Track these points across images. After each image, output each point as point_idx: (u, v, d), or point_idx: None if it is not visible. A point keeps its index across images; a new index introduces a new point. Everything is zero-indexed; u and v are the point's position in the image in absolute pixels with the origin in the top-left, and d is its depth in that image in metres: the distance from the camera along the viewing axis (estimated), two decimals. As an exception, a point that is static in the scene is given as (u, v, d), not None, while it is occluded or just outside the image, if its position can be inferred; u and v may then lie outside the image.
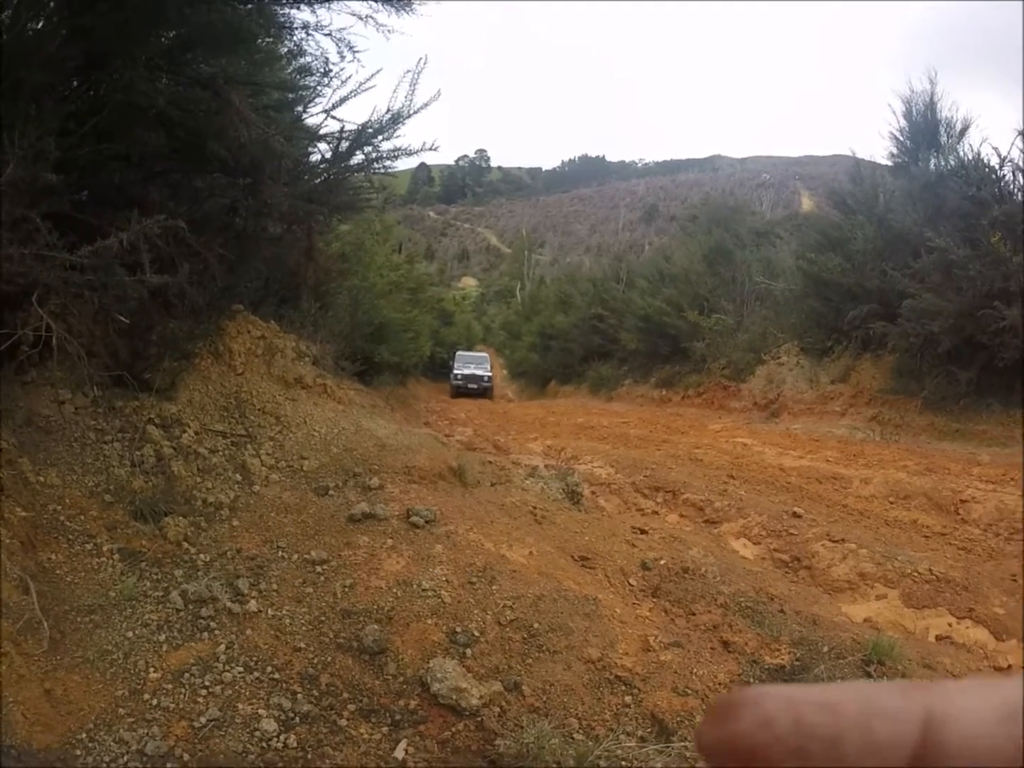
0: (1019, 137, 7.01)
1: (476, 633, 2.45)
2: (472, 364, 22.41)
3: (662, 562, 3.55)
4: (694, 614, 3.09)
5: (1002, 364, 6.68)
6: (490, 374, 21.87)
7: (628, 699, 2.24)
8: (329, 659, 2.23)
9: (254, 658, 2.17)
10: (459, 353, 23.86)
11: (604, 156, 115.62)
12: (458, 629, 2.44)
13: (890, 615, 3.50)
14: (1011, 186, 7.28)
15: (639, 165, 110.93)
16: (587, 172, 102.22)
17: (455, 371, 21.60)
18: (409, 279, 16.69)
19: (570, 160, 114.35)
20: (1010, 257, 6.48)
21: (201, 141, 3.60)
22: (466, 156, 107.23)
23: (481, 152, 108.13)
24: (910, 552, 4.13)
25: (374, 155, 4.55)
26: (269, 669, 2.15)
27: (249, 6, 3.65)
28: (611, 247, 31.70)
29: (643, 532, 4.30)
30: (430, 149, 4.75)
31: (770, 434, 9.18)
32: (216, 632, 2.26)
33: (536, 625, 2.51)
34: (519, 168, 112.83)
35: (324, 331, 6.25)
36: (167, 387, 3.62)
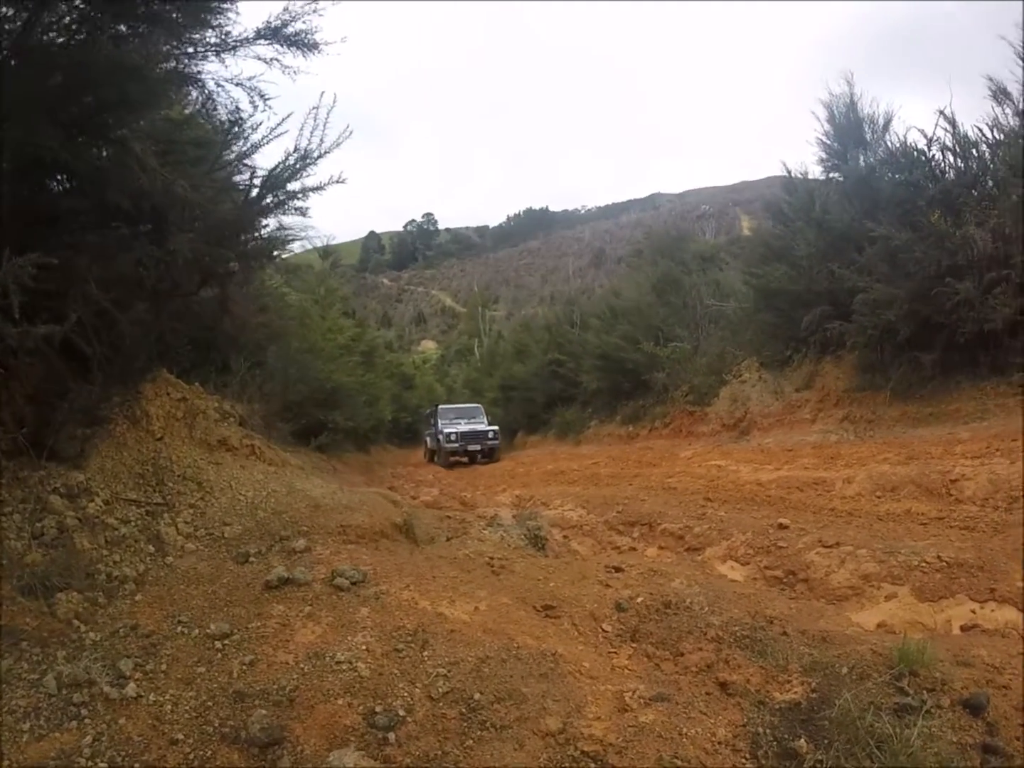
0: (941, 117, 7.05)
1: (401, 712, 1.95)
2: (464, 419, 17.51)
3: (639, 600, 3.09)
4: (682, 654, 2.62)
5: (963, 340, 6.47)
6: (495, 428, 17.02)
7: (600, 781, 1.70)
8: (210, 753, 1.87)
9: (123, 752, 1.87)
10: (442, 408, 18.79)
11: (548, 207, 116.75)
12: (378, 709, 1.96)
13: (905, 614, 3.14)
14: (942, 164, 7.27)
15: (582, 212, 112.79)
16: (533, 225, 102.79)
17: (444, 430, 16.45)
18: (361, 342, 16.38)
19: (515, 215, 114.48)
20: (953, 232, 6.36)
21: (102, 191, 3.42)
22: (414, 221, 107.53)
23: (428, 216, 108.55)
24: (911, 543, 3.77)
25: (283, 196, 4.42)
26: (137, 766, 1.83)
27: (139, 41, 3.46)
28: (564, 295, 31.79)
29: (618, 570, 3.86)
30: (338, 182, 4.65)
31: (742, 452, 8.89)
32: (87, 721, 1.97)
33: (478, 696, 1.97)
34: (467, 228, 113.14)
35: (252, 390, 5.81)
36: (77, 455, 3.38)
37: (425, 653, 2.20)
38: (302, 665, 2.18)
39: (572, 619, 2.90)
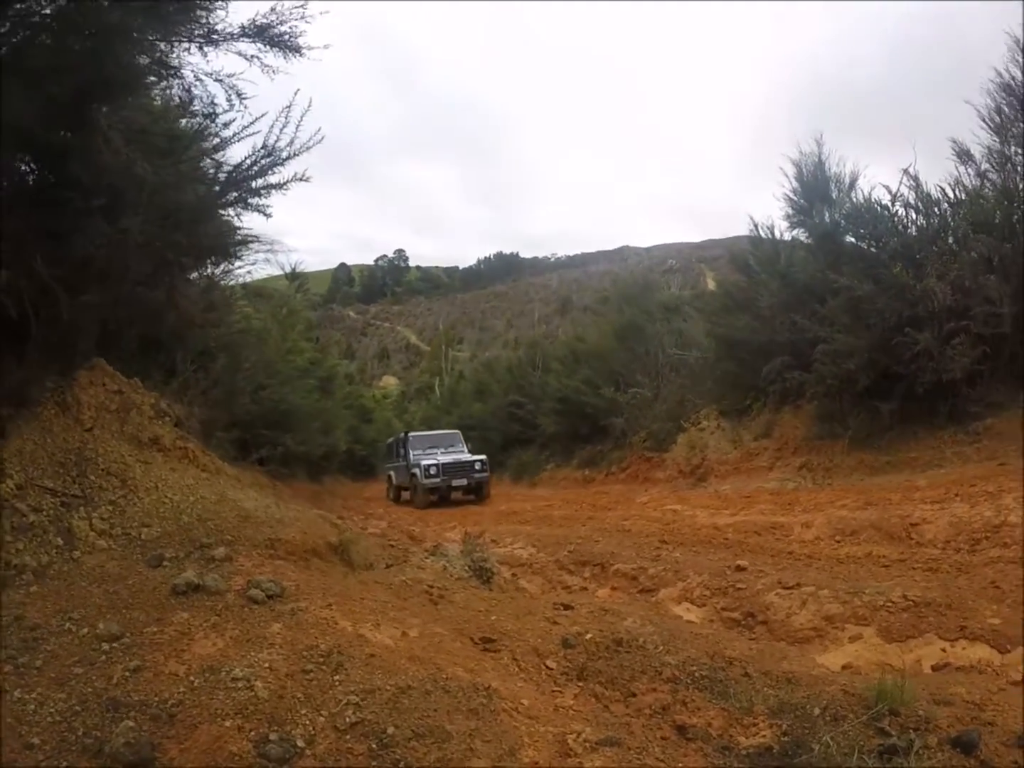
0: (905, 175, 7.29)
1: (299, 743, 1.67)
2: (439, 447, 14.24)
3: (588, 636, 2.84)
4: (635, 695, 2.37)
5: (922, 389, 6.54)
6: (483, 458, 13.64)
7: (532, 839, 1.40)
8: (65, 765, 1.67)
9: (-29, 752, 1.65)
10: (413, 435, 15.10)
11: (518, 253, 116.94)
12: (272, 736, 1.68)
13: (871, 655, 3.00)
14: (905, 220, 7.48)
15: (551, 260, 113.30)
16: (502, 269, 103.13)
17: (421, 462, 13.18)
18: (320, 368, 15.91)
19: (485, 258, 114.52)
20: (914, 284, 6.49)
21: (63, 164, 3.39)
22: (385, 256, 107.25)
23: (400, 252, 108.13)
24: (875, 584, 3.64)
25: (245, 191, 4.53)
26: (-18, 766, 1.63)
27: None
28: (528, 339, 31.92)
29: (567, 608, 3.63)
30: (301, 179, 4.58)
31: (699, 497, 8.80)
32: (-59, 711, 1.76)
33: (392, 730, 1.67)
34: (437, 267, 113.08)
35: (195, 392, 5.46)
36: (-3, 435, 3.21)
37: (337, 677, 1.89)
38: (192, 678, 1.91)
39: (513, 653, 2.64)
